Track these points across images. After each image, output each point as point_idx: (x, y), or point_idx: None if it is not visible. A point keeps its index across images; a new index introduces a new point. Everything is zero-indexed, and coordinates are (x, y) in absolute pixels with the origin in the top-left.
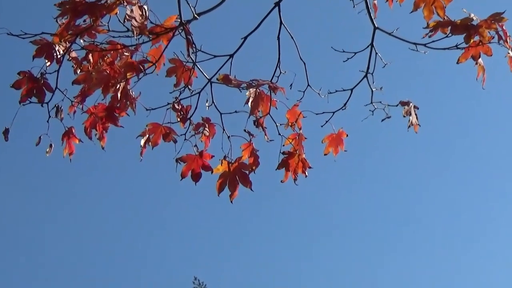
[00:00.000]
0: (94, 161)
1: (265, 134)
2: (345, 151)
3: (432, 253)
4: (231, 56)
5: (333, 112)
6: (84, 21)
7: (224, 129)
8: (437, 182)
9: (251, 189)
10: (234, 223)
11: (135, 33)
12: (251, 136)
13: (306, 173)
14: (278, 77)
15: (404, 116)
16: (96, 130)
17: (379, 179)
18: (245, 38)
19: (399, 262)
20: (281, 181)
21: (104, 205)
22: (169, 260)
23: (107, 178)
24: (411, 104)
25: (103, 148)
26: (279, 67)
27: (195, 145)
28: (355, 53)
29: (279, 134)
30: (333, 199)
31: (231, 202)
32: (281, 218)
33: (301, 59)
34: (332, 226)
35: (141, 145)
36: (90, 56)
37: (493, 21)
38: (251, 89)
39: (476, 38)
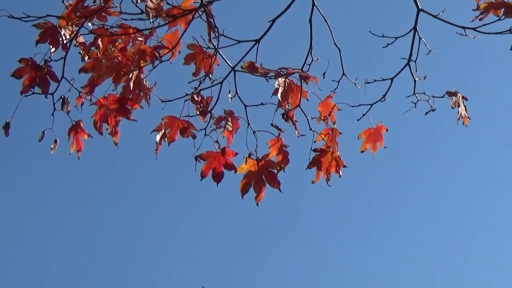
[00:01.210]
0: (103, 159)
1: (295, 129)
2: (384, 147)
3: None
4: (257, 41)
5: (371, 104)
6: (94, 1)
7: (249, 123)
8: (490, 183)
9: (280, 190)
10: (254, 228)
11: (150, 15)
12: (279, 131)
13: (340, 172)
14: (309, 65)
15: (453, 108)
16: (108, 124)
17: (424, 180)
18: (273, 21)
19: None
20: (312, 182)
21: (113, 207)
22: (177, 268)
23: (117, 177)
24: (459, 94)
25: (116, 144)
26: (311, 53)
27: (217, 141)
28: (396, 38)
29: (310, 129)
30: (371, 203)
31: (257, 204)
32: (310, 223)
33: (336, 45)
34: (369, 234)
35: (156, 141)
36: (99, 41)
37: None
38: (279, 79)
39: None
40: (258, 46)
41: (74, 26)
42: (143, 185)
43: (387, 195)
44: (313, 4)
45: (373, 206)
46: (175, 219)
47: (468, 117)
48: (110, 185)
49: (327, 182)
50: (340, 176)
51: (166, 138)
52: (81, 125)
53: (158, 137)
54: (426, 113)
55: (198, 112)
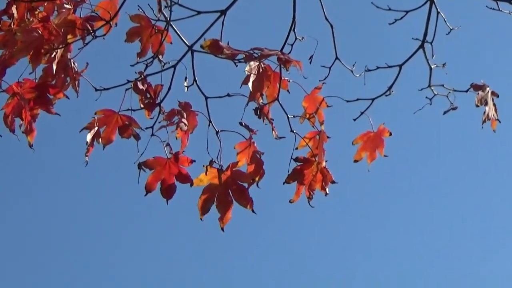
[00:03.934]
0: (13, 164)
1: (272, 129)
2: (385, 156)
3: None
4: (223, 12)
5: (373, 99)
6: None
7: (210, 121)
8: None
9: (253, 211)
10: (214, 257)
11: None
12: (250, 132)
13: (327, 189)
14: (292, 45)
15: (478, 106)
16: (21, 119)
17: (437, 200)
18: None
19: None
20: (289, 201)
21: (32, 228)
22: None
23: (34, 191)
24: (487, 89)
25: (31, 146)
26: (293, 30)
27: (167, 144)
28: (407, 11)
29: (292, 130)
30: (365, 228)
31: (222, 229)
32: (288, 253)
33: (327, 20)
34: (361, 266)
35: (86, 142)
36: (13, 9)
37: None
38: (252, 63)
39: None
40: (224, 19)
41: None
42: (68, 198)
43: (386, 219)
44: None
45: (366, 233)
46: (113, 246)
47: (497, 119)
48: (19, 203)
49: (309, 202)
50: (326, 194)
51: (100, 139)
52: None
53: (89, 137)
54: (445, 112)
55: (143, 105)
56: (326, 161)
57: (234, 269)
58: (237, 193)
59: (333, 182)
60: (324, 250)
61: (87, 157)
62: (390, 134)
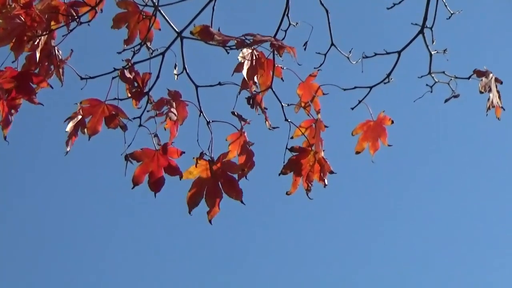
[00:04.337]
0: None
1: (266, 119)
2: (389, 146)
3: None
4: None
5: (370, 87)
6: None
7: (201, 111)
8: None
9: (242, 202)
10: (216, 259)
11: None
12: (243, 122)
13: (326, 181)
14: (286, 31)
15: (481, 93)
16: None
17: (440, 191)
18: None
19: None
20: (286, 193)
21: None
22: None
23: (17, 183)
24: (490, 75)
25: (5, 138)
26: (287, 16)
27: (156, 135)
28: None
29: (286, 119)
30: (366, 221)
31: (210, 222)
32: (285, 247)
33: (322, 5)
34: (362, 261)
35: (66, 131)
36: None
37: None
38: (244, 50)
39: None
40: (214, 4)
41: None
42: (52, 191)
43: (389, 211)
44: None
45: (368, 226)
46: (100, 240)
47: (501, 107)
48: (4, 192)
49: (307, 194)
50: (325, 185)
51: (85, 129)
52: None
53: (70, 126)
54: (446, 100)
55: (130, 94)
56: (324, 151)
57: (229, 264)
58: (226, 185)
59: (331, 172)
60: (323, 244)
61: (68, 147)
62: (392, 122)
